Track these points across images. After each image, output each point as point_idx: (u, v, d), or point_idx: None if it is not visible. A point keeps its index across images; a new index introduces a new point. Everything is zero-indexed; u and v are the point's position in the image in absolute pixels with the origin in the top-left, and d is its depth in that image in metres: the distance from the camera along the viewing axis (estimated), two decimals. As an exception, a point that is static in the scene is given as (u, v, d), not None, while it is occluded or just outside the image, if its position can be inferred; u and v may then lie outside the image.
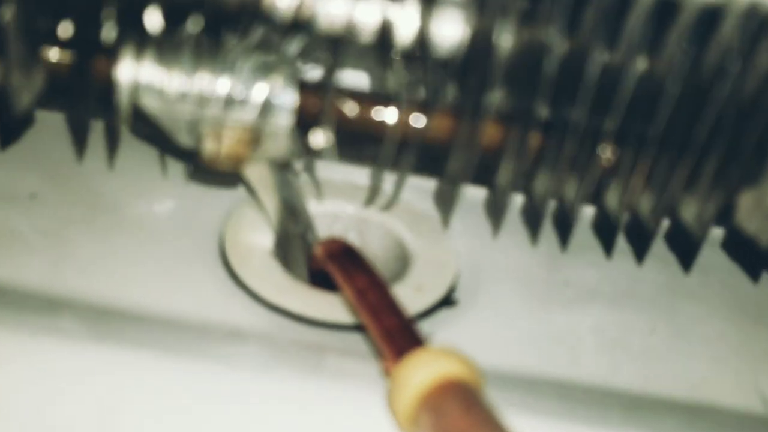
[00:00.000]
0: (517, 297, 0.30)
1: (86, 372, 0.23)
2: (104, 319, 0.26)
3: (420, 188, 0.33)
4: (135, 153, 0.32)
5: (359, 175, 0.33)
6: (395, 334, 0.23)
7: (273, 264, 0.29)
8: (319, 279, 0.29)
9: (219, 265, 0.29)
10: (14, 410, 0.22)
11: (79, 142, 0.25)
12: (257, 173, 0.28)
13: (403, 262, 0.31)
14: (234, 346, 0.26)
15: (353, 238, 0.32)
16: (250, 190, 0.30)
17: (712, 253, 0.33)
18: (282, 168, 0.29)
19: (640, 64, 0.23)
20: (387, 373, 0.22)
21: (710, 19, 0.21)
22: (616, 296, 0.31)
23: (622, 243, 0.33)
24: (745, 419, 0.27)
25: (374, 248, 0.32)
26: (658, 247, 0.33)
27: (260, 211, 0.30)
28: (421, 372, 0.20)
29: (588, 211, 0.32)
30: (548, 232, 0.32)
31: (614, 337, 0.29)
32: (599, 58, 0.23)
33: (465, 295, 0.30)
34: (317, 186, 0.28)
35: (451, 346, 0.22)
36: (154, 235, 0.30)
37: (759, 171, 0.22)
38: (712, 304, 0.31)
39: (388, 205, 0.29)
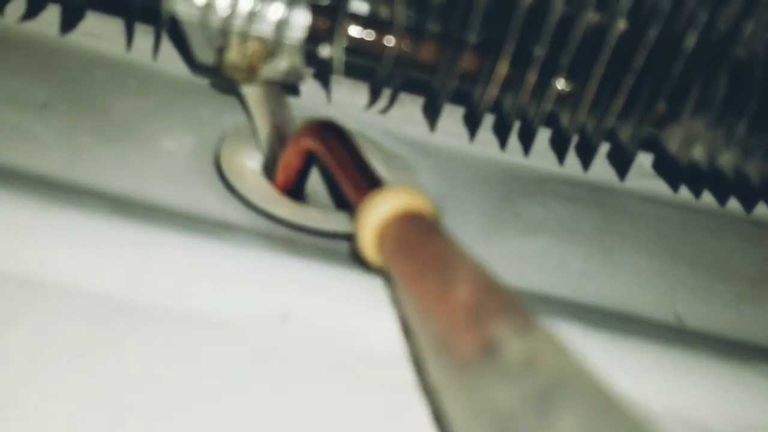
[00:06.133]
0: (474, 223, 0.35)
1: (110, 245, 0.26)
2: (119, 208, 0.29)
3: (392, 133, 0.38)
4: (142, 78, 0.35)
5: (339, 115, 0.37)
6: (362, 179, 0.25)
7: (262, 180, 0.33)
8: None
9: (215, 177, 0.32)
10: (45, 278, 0.25)
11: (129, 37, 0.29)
12: (256, 96, 0.32)
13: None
14: (227, 239, 0.29)
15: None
16: (248, 114, 0.33)
17: (643, 205, 0.38)
18: (280, 97, 0.32)
19: (591, 15, 0.28)
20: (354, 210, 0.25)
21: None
22: (560, 230, 0.36)
23: (563, 188, 0.38)
24: (660, 328, 0.32)
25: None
26: (596, 196, 0.38)
27: (253, 135, 0.34)
28: (385, 202, 0.23)
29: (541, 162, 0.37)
30: (500, 179, 0.37)
31: (556, 261, 0.34)
32: (558, 8, 0.28)
33: (430, 220, 0.34)
34: (328, 93, 0.32)
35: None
36: (158, 149, 0.33)
37: (681, 107, 0.27)
38: (641, 242, 0.36)
39: (385, 110, 0.35)
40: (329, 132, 0.28)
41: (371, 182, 0.25)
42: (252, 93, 0.32)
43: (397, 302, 0.24)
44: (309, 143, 0.28)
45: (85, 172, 0.30)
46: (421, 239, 0.21)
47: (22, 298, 0.24)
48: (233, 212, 0.31)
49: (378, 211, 0.23)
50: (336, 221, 0.31)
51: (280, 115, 0.33)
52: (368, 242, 0.23)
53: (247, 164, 0.34)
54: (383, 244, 0.23)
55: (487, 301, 0.18)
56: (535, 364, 0.15)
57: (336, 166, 0.27)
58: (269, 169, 0.34)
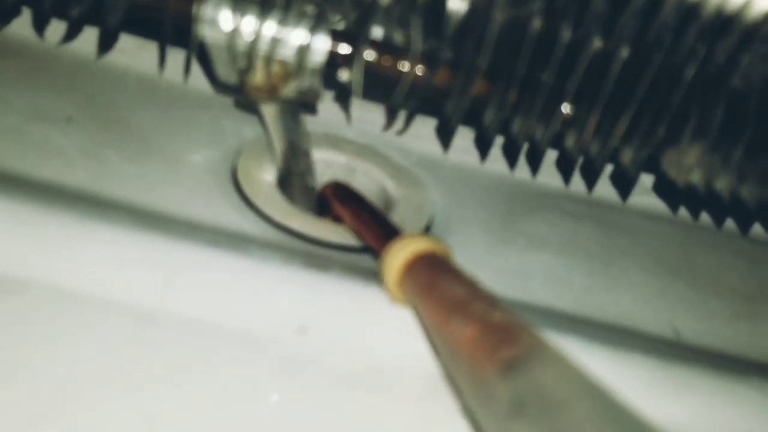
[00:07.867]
0: (479, 239, 0.36)
1: (134, 258, 0.28)
2: (141, 220, 0.30)
3: (402, 148, 0.39)
4: (162, 95, 0.36)
5: (349, 131, 0.39)
6: (381, 231, 0.29)
7: (277, 193, 0.34)
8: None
9: (232, 190, 0.34)
10: (73, 287, 0.26)
11: (161, 58, 0.31)
12: (273, 114, 0.33)
13: (385, 204, 0.37)
14: (244, 251, 0.31)
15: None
16: (265, 129, 0.35)
17: (642, 221, 0.40)
18: (296, 114, 0.34)
19: (596, 42, 0.29)
20: (378, 258, 0.28)
21: (652, 4, 0.27)
22: (562, 246, 0.37)
23: (566, 204, 0.39)
24: (658, 342, 0.33)
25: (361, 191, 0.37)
26: (598, 213, 0.39)
27: (269, 150, 0.35)
28: (402, 250, 0.27)
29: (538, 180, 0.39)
30: (506, 195, 0.38)
31: (558, 276, 0.35)
32: (565, 35, 0.29)
33: (438, 234, 0.35)
34: (348, 115, 0.34)
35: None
36: (178, 163, 0.34)
37: (680, 133, 0.29)
38: (639, 258, 0.37)
39: (402, 132, 0.37)
40: (344, 196, 0.32)
41: (390, 232, 0.29)
42: (269, 110, 0.33)
43: (424, 330, 0.27)
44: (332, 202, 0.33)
45: (107, 185, 0.31)
46: (435, 278, 0.25)
47: (43, 308, 0.25)
48: (248, 224, 0.32)
49: (398, 257, 0.26)
50: (350, 234, 0.33)
51: (295, 131, 0.35)
52: (392, 284, 0.27)
53: (263, 178, 0.35)
54: (404, 285, 0.26)
55: (485, 338, 0.20)
56: (520, 408, 0.16)
57: (356, 222, 0.31)
58: (283, 183, 0.35)
